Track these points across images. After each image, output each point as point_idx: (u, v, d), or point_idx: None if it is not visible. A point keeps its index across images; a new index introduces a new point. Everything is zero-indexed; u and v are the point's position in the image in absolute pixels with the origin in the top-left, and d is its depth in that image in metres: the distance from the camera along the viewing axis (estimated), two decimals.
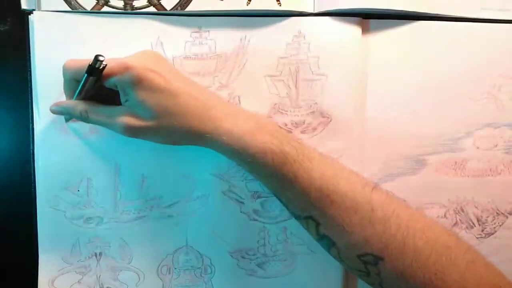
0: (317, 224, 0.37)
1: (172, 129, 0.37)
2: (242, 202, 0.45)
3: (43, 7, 0.42)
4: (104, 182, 0.44)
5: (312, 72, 0.44)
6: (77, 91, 0.39)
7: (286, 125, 0.44)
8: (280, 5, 0.42)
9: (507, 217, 0.47)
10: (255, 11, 0.42)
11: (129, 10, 0.42)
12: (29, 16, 0.42)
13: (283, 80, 0.44)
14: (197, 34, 0.43)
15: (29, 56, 0.43)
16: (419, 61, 0.45)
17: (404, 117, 0.45)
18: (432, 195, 0.46)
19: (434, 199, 0.46)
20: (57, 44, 0.42)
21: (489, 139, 0.46)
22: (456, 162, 0.46)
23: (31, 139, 0.43)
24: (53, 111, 0.41)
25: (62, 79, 0.39)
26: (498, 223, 0.47)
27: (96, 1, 0.42)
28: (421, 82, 0.45)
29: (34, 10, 0.42)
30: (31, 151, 0.44)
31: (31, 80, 0.43)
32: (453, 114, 0.45)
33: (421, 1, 0.43)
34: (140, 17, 0.43)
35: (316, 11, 0.43)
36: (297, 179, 0.36)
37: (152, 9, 0.42)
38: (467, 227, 0.47)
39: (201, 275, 0.46)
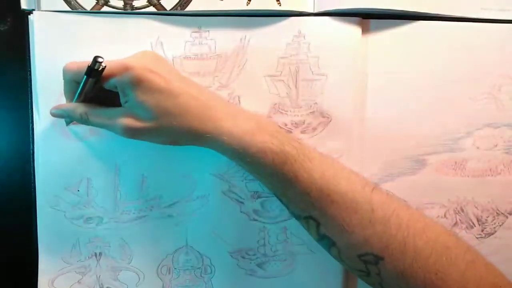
0: (318, 224, 0.37)
1: (172, 130, 0.37)
2: (242, 202, 0.45)
3: (43, 7, 0.42)
4: (104, 182, 0.44)
5: (312, 72, 0.44)
6: (77, 93, 0.39)
7: (286, 125, 0.44)
8: (280, 5, 0.42)
9: (507, 217, 0.47)
10: (255, 11, 0.42)
11: (129, 10, 0.42)
12: (29, 16, 0.42)
13: (283, 80, 0.44)
14: (197, 34, 0.43)
15: (29, 56, 0.43)
16: (419, 61, 0.45)
17: (404, 117, 0.45)
18: (432, 195, 0.46)
19: (434, 199, 0.46)
20: (57, 44, 0.42)
21: (489, 139, 0.46)
22: (456, 162, 0.46)
23: (31, 139, 0.43)
24: (53, 114, 0.41)
25: (62, 79, 0.39)
26: (498, 223, 0.47)
27: (96, 1, 0.42)
28: (421, 82, 0.45)
29: (34, 10, 0.42)
30: (31, 151, 0.44)
31: (31, 80, 0.43)
32: (453, 114, 0.45)
33: (421, 1, 0.43)
34: (140, 17, 0.42)
35: (316, 11, 0.43)
36: (298, 179, 0.36)
37: (152, 9, 0.42)
38: (467, 227, 0.47)
39: (201, 275, 0.46)
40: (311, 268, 0.46)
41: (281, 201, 0.39)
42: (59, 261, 0.45)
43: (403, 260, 0.35)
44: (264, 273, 0.46)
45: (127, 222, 0.45)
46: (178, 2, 0.42)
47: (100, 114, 0.39)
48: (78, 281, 0.45)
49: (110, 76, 0.37)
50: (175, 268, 0.46)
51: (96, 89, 0.38)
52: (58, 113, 0.41)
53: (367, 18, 0.44)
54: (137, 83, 0.36)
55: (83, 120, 0.40)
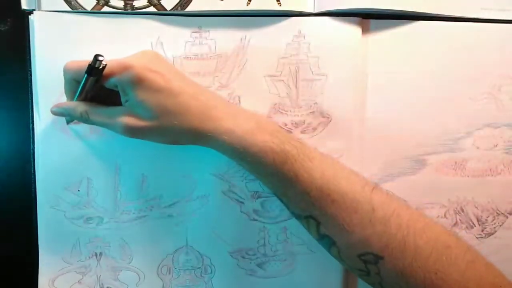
0: (318, 224, 0.37)
1: (172, 129, 0.37)
2: (242, 202, 0.45)
3: (43, 7, 0.42)
4: (104, 182, 0.44)
5: (312, 72, 0.44)
6: (78, 92, 0.39)
7: (286, 125, 0.44)
8: (280, 5, 0.42)
9: (507, 217, 0.47)
10: (255, 11, 0.42)
11: (129, 10, 0.42)
12: (29, 16, 0.42)
13: (283, 80, 0.44)
14: (197, 34, 0.43)
15: (29, 56, 0.43)
16: (419, 61, 0.45)
17: (404, 117, 0.45)
18: (432, 195, 0.46)
19: (434, 199, 0.46)
20: (57, 44, 0.42)
21: (489, 139, 0.46)
22: (456, 162, 0.46)
23: (31, 139, 0.43)
24: (54, 113, 0.41)
25: (62, 79, 0.39)
26: (498, 223, 0.47)
27: (96, 1, 0.42)
28: (421, 82, 0.45)
29: (34, 10, 0.42)
30: (31, 151, 0.44)
31: (31, 80, 0.43)
32: (453, 114, 0.45)
33: (421, 1, 0.43)
34: (140, 17, 0.43)
35: (316, 11, 0.43)
36: (298, 178, 0.36)
37: (152, 9, 0.42)
38: (467, 227, 0.47)
39: (201, 275, 0.46)
40: (311, 268, 0.46)
41: (281, 200, 0.39)
42: (59, 261, 0.45)
43: (403, 259, 0.35)
44: (264, 273, 0.46)
45: (127, 222, 0.45)
46: (178, 2, 0.42)
47: (101, 113, 0.39)
48: (78, 281, 0.45)
49: (110, 75, 0.37)
50: (175, 268, 0.46)
51: (97, 88, 0.38)
52: (58, 112, 0.41)
53: (367, 18, 0.44)
54: (137, 82, 0.36)
55: (84, 119, 0.40)
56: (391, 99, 0.45)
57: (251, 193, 0.45)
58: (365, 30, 0.44)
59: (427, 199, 0.46)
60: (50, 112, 0.41)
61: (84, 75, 0.37)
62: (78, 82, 0.38)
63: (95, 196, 0.44)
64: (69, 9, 0.42)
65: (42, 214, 0.44)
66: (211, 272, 0.46)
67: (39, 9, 0.42)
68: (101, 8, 0.42)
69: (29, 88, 0.43)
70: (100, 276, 0.45)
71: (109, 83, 0.37)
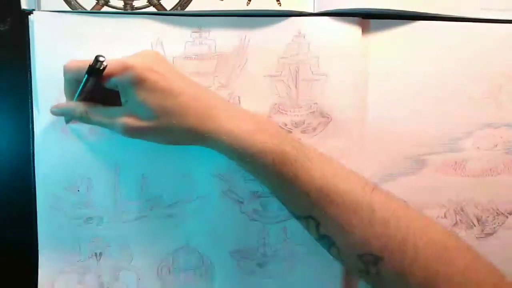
0: (317, 224, 0.37)
1: (172, 129, 0.37)
2: (242, 202, 0.45)
3: (43, 7, 0.42)
4: (104, 182, 0.44)
5: (312, 72, 0.44)
6: (78, 92, 0.39)
7: (286, 125, 0.44)
8: (280, 5, 0.42)
9: (507, 217, 0.47)
10: (255, 11, 0.42)
11: (129, 10, 0.42)
12: (29, 16, 0.42)
13: (283, 80, 0.44)
14: (197, 34, 0.43)
15: (29, 56, 0.43)
16: (419, 61, 0.45)
17: (404, 117, 0.45)
18: (432, 195, 0.46)
19: (434, 199, 0.46)
20: (57, 44, 0.42)
21: (489, 139, 0.46)
22: (456, 162, 0.46)
23: (31, 139, 0.43)
24: (54, 113, 0.41)
25: (62, 79, 0.39)
26: (498, 223, 0.47)
27: (96, 1, 0.42)
28: (421, 82, 0.45)
29: (34, 10, 0.42)
30: (31, 151, 0.44)
31: (31, 80, 0.43)
32: (453, 114, 0.45)
33: (421, 1, 0.43)
34: (140, 17, 0.43)
35: (316, 11, 0.43)
36: (298, 178, 0.36)
37: (152, 9, 0.42)
38: (467, 227, 0.47)
39: (201, 275, 0.46)
40: (311, 268, 0.46)
41: (281, 201, 0.39)
42: (59, 261, 0.45)
43: (402, 260, 0.35)
44: (264, 273, 0.46)
45: (127, 222, 0.45)
46: (178, 2, 0.42)
47: (101, 113, 0.39)
48: (78, 281, 0.45)
49: (110, 75, 0.37)
50: (175, 268, 0.46)
51: (97, 88, 0.38)
52: (58, 112, 0.41)
53: (367, 18, 0.44)
54: (137, 82, 0.36)
55: (84, 119, 0.40)
56: (391, 99, 0.45)
57: (251, 193, 0.45)
58: (365, 30, 0.44)
59: (427, 199, 0.46)
60: (50, 112, 0.41)
61: (85, 75, 0.37)
62: (78, 82, 0.38)
63: (95, 196, 0.44)
64: (69, 9, 0.42)
65: (42, 214, 0.44)
66: (211, 272, 0.46)
67: (39, 9, 0.42)
68: (101, 8, 0.42)
69: (29, 88, 0.43)
70: (100, 276, 0.45)
71: (109, 83, 0.37)
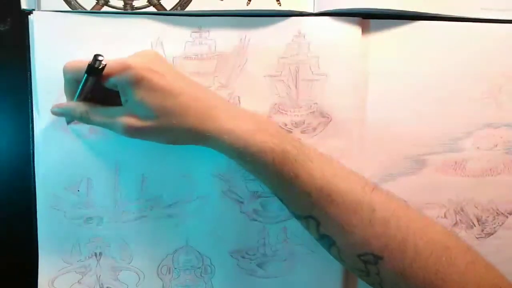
0: (318, 224, 0.37)
1: (172, 129, 0.37)
2: (242, 202, 0.45)
3: (43, 7, 0.42)
4: (104, 182, 0.44)
5: (312, 72, 0.44)
6: (78, 92, 0.39)
7: (286, 125, 0.44)
8: (280, 5, 0.42)
9: (507, 217, 0.47)
10: (255, 11, 0.42)
11: (129, 10, 0.42)
12: (29, 16, 0.42)
13: (283, 80, 0.44)
14: (197, 34, 0.43)
15: (29, 56, 0.43)
16: (419, 61, 0.45)
17: (404, 117, 0.45)
18: (432, 195, 0.46)
19: (434, 199, 0.46)
20: (57, 44, 0.42)
21: (489, 139, 0.46)
22: (456, 162, 0.46)
23: (31, 139, 0.43)
24: (54, 113, 0.41)
25: (62, 79, 0.39)
26: (498, 223, 0.47)
27: (96, 1, 0.42)
28: (421, 82, 0.45)
29: (34, 10, 0.42)
30: (31, 151, 0.44)
31: (31, 80, 0.43)
32: (453, 114, 0.45)
33: (421, 1, 0.43)
34: (140, 17, 0.42)
35: (316, 11, 0.43)
36: (298, 178, 0.36)
37: (152, 9, 0.42)
38: (467, 227, 0.47)
39: (201, 275, 0.46)
40: (311, 268, 0.46)
41: (281, 200, 0.39)
42: (59, 261, 0.45)
43: (402, 260, 0.35)
44: (264, 273, 0.46)
45: (127, 222, 0.45)
46: (178, 2, 0.42)
47: (101, 113, 0.39)
48: (78, 281, 0.45)
49: (110, 74, 0.37)
50: (175, 268, 0.46)
51: (97, 88, 0.38)
52: (58, 112, 0.41)
53: (367, 18, 0.44)
54: (137, 82, 0.36)
55: (84, 119, 0.40)
56: (391, 99, 0.45)
57: (251, 193, 0.45)
58: (365, 30, 0.44)
59: (427, 199, 0.46)
60: (50, 112, 0.41)
61: (84, 75, 0.37)
62: (78, 82, 0.38)
63: (95, 196, 0.44)
64: (69, 9, 0.42)
65: (42, 214, 0.44)
66: (211, 272, 0.46)
67: (39, 9, 0.42)
68: (101, 8, 0.42)
69: (29, 88, 0.43)
70: (100, 276, 0.45)
71: (109, 83, 0.37)
